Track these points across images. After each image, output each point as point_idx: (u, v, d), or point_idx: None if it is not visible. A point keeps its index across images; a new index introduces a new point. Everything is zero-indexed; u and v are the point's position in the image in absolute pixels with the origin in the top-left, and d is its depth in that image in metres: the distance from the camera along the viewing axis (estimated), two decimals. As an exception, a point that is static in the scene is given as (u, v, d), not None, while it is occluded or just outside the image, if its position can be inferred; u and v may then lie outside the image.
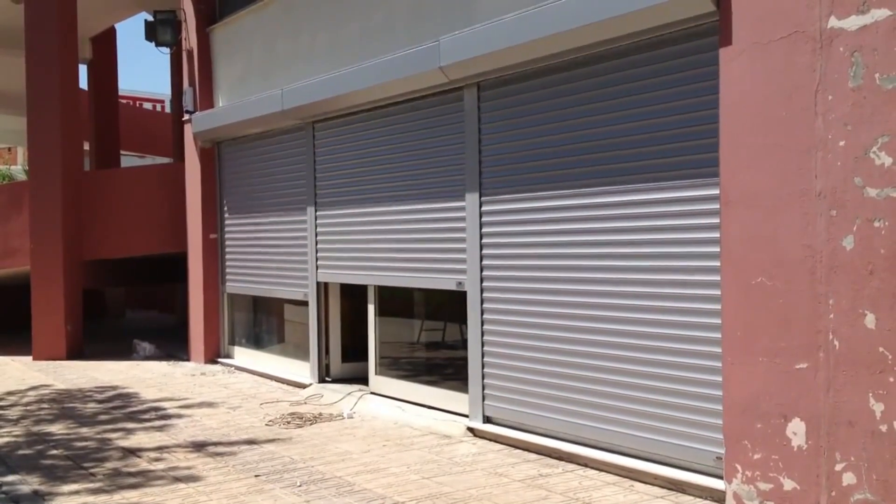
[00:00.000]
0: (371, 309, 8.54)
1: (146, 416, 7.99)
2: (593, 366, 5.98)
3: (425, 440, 6.84)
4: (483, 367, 6.90)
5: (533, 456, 6.24)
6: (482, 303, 6.91)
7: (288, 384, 9.57)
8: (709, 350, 5.18)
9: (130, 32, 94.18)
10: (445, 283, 7.33)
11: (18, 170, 31.61)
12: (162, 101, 27.06)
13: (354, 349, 9.17)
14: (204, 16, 11.28)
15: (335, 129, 8.88)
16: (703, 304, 5.23)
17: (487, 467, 5.98)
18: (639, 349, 5.66)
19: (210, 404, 8.54)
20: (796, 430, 4.54)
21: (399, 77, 7.47)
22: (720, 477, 5.03)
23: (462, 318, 7.16)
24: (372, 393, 8.46)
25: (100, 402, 8.81)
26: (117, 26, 17.24)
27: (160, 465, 6.23)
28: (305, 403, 8.46)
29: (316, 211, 9.17)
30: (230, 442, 6.92)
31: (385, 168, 8.13)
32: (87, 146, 16.41)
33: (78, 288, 12.32)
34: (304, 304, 9.45)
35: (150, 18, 12.04)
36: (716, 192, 5.04)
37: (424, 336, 8.58)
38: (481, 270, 6.92)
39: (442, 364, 8.33)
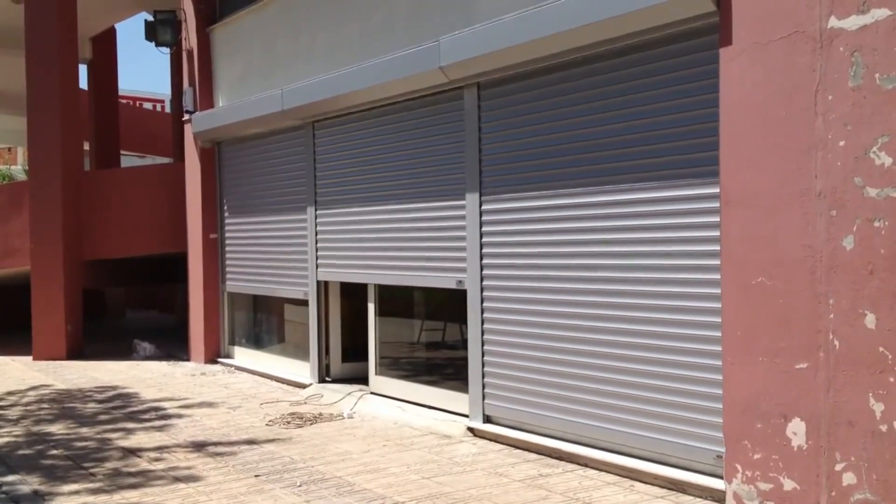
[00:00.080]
0: (371, 308, 8.54)
1: (146, 416, 7.99)
2: (593, 365, 5.98)
3: (425, 440, 6.84)
4: (483, 367, 6.90)
5: (533, 456, 6.24)
6: (482, 302, 6.91)
7: (288, 384, 9.57)
8: (708, 349, 5.18)
9: (130, 32, 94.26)
10: (445, 281, 7.33)
11: (18, 170, 31.61)
12: (162, 101, 27.07)
13: (354, 349, 9.17)
14: (204, 16, 11.28)
15: (335, 129, 8.88)
16: (703, 303, 5.23)
17: (487, 467, 5.98)
18: (639, 348, 5.66)
19: (210, 404, 8.54)
20: (796, 430, 4.54)
21: (399, 77, 7.47)
22: (720, 477, 5.03)
23: (462, 318, 7.16)
24: (372, 393, 8.46)
25: (100, 402, 8.81)
26: (117, 26, 17.25)
27: (160, 465, 6.23)
28: (305, 403, 8.46)
29: (316, 210, 9.17)
30: (230, 442, 6.92)
31: (385, 167, 8.13)
32: (87, 146, 16.41)
33: (78, 288, 12.33)
34: (304, 303, 9.45)
35: (150, 18, 12.04)
36: (716, 190, 5.04)
37: (424, 336, 8.58)
38: (481, 269, 6.92)
39: (442, 364, 8.33)
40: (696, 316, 5.29)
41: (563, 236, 6.22)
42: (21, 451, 6.78)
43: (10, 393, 9.42)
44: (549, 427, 6.32)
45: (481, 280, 6.92)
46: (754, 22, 4.70)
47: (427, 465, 6.07)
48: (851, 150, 4.28)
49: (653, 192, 5.55)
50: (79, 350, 12.23)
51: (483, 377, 6.90)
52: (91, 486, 5.77)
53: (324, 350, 9.29)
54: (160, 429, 7.47)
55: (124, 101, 21.47)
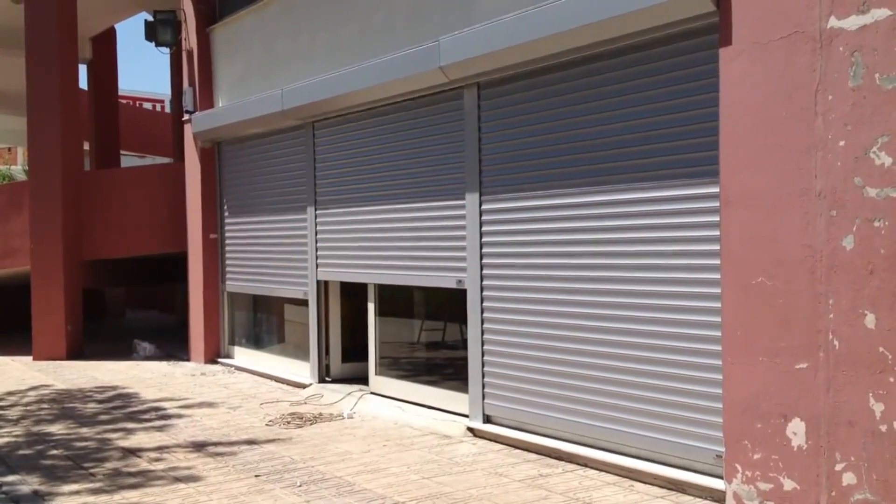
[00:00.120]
0: (371, 308, 8.54)
1: (146, 416, 7.99)
2: (594, 364, 5.99)
3: (425, 440, 6.84)
4: (483, 367, 6.90)
5: (533, 456, 6.24)
6: (482, 301, 6.91)
7: (288, 384, 9.57)
8: (708, 348, 5.18)
9: (130, 32, 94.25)
10: (445, 281, 7.34)
11: (18, 170, 31.62)
12: (162, 101, 27.06)
13: (354, 349, 9.17)
14: (204, 16, 11.28)
15: (335, 129, 8.88)
16: (703, 302, 5.23)
17: (487, 467, 5.98)
18: (639, 348, 5.66)
19: (210, 404, 8.54)
20: (796, 430, 4.54)
21: (399, 77, 7.47)
22: (720, 477, 5.03)
23: (462, 318, 7.17)
24: (372, 393, 8.46)
25: (100, 402, 8.81)
26: (117, 26, 17.25)
27: (160, 466, 6.23)
28: (305, 403, 8.46)
29: (316, 210, 9.17)
30: (230, 442, 6.92)
31: (385, 167, 8.13)
32: (87, 146, 16.41)
33: (78, 288, 12.33)
34: (304, 303, 9.45)
35: (150, 18, 12.04)
36: (716, 190, 5.04)
37: (424, 336, 8.58)
38: (481, 269, 6.92)
39: (442, 364, 8.33)
40: (696, 315, 5.29)
41: (563, 236, 6.22)
42: (21, 452, 6.78)
43: (10, 393, 9.42)
44: (549, 427, 6.32)
45: (481, 280, 6.92)
46: (754, 22, 4.70)
47: (427, 465, 6.07)
48: (851, 150, 4.28)
49: (652, 192, 5.55)
50: (79, 350, 12.24)
51: (483, 377, 6.90)
52: (91, 486, 5.77)
53: (324, 350, 9.29)
54: (160, 429, 7.47)
55: (124, 101, 21.47)
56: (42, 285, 11.92)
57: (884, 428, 4.17)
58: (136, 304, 19.52)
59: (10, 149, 33.96)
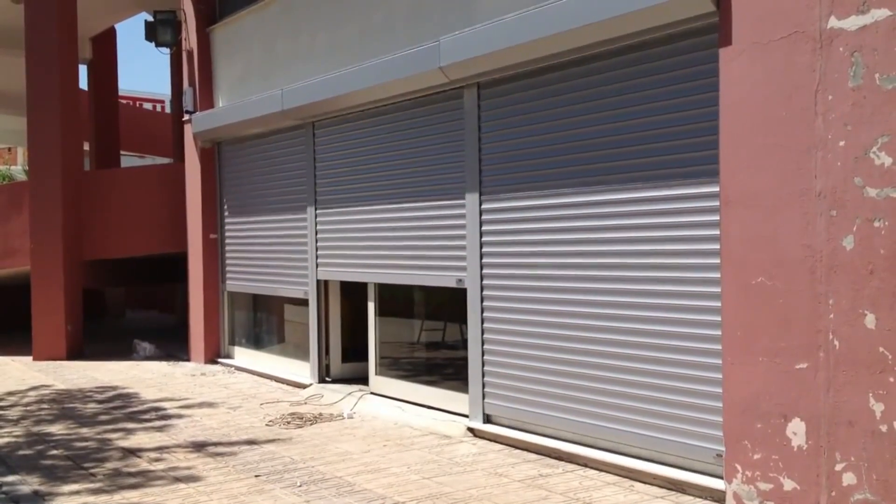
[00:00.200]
0: (371, 307, 8.54)
1: (146, 417, 7.99)
2: (594, 364, 5.99)
3: (425, 440, 6.84)
4: (483, 366, 6.90)
5: (533, 456, 6.24)
6: (482, 300, 6.91)
7: (288, 384, 9.57)
8: (708, 347, 5.18)
9: (130, 32, 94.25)
10: (445, 280, 7.34)
11: (18, 170, 31.62)
12: (162, 101, 27.06)
13: (354, 349, 9.17)
14: (204, 16, 11.28)
15: (335, 128, 8.88)
16: (703, 301, 5.23)
17: (487, 467, 5.98)
18: (639, 347, 5.66)
19: (210, 404, 8.54)
20: (796, 430, 4.54)
21: (399, 77, 7.47)
22: (720, 477, 5.03)
23: (462, 318, 7.17)
24: (372, 393, 8.46)
25: (100, 402, 8.81)
26: (117, 26, 17.25)
27: (160, 466, 6.23)
28: (305, 403, 8.46)
29: (316, 210, 9.17)
30: (230, 442, 6.92)
31: (385, 167, 8.13)
32: (87, 146, 16.41)
33: (78, 288, 12.33)
34: (304, 303, 9.45)
35: (150, 18, 12.05)
36: (716, 189, 5.04)
37: (424, 336, 8.58)
38: (481, 268, 6.92)
39: (442, 364, 8.33)
40: (696, 315, 5.29)
41: (563, 235, 6.22)
42: (21, 452, 6.78)
43: (10, 393, 9.42)
44: (550, 427, 6.32)
45: (481, 279, 6.92)
46: (754, 22, 4.70)
47: (427, 466, 6.07)
48: (851, 150, 4.28)
49: (652, 192, 5.55)
50: (79, 350, 12.24)
51: (483, 376, 6.90)
52: (91, 486, 5.77)
53: (324, 350, 9.29)
54: (160, 429, 7.47)
55: (124, 101, 21.46)
56: (42, 285, 11.92)
57: (884, 428, 4.17)
58: (136, 304, 19.52)
59: (10, 149, 33.97)
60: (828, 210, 4.38)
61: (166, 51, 12.46)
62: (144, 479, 5.90)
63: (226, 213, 11.22)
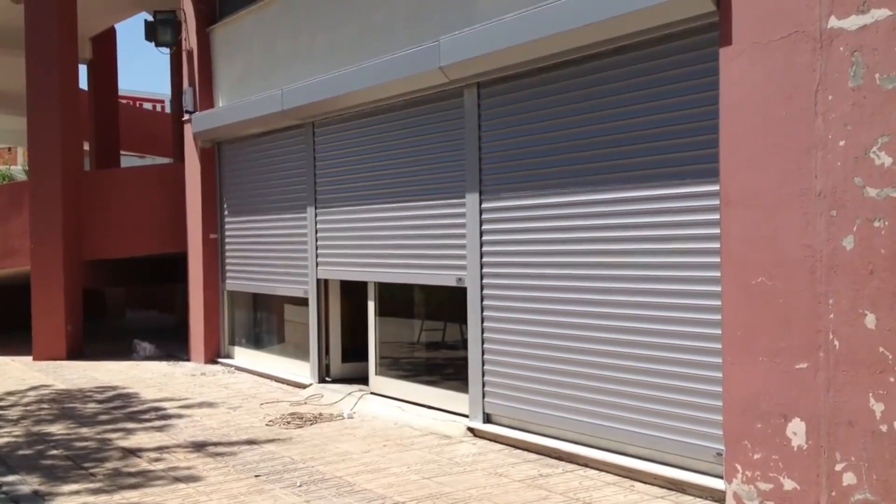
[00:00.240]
0: (371, 307, 8.54)
1: (146, 417, 7.99)
2: (594, 363, 5.98)
3: (425, 440, 6.84)
4: (483, 365, 6.90)
5: (533, 456, 6.24)
6: (482, 299, 6.91)
7: (288, 384, 9.57)
8: (709, 347, 5.18)
9: (130, 32, 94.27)
10: (445, 279, 7.34)
11: (18, 170, 31.63)
12: (162, 101, 27.06)
13: (354, 349, 9.17)
14: (204, 16, 11.28)
15: (335, 128, 8.88)
16: (703, 301, 5.23)
17: (487, 467, 5.98)
18: (640, 346, 5.65)
19: (210, 404, 8.54)
20: (796, 430, 4.54)
21: (399, 77, 7.47)
22: (720, 476, 5.03)
23: (462, 318, 7.17)
24: (372, 393, 8.46)
25: (100, 402, 8.81)
26: (117, 26, 17.25)
27: (160, 466, 6.23)
28: (305, 403, 8.46)
29: (316, 209, 9.17)
30: (230, 442, 6.92)
31: (385, 167, 8.13)
32: (87, 146, 16.41)
33: (78, 288, 12.33)
34: (304, 303, 9.45)
35: (150, 18, 12.04)
36: (716, 188, 5.04)
37: (424, 336, 8.58)
38: (481, 267, 6.92)
39: (442, 364, 8.33)
40: (696, 314, 5.28)
41: (563, 234, 6.22)
42: (21, 452, 6.78)
43: (10, 393, 9.42)
44: (550, 427, 6.32)
45: (481, 278, 6.92)
46: (754, 22, 4.70)
47: (427, 466, 6.07)
48: (851, 150, 4.28)
49: (652, 191, 5.55)
50: (79, 350, 12.24)
51: (483, 376, 6.90)
52: (91, 486, 5.77)
53: (324, 350, 9.29)
54: (160, 429, 7.47)
55: (124, 101, 21.46)
56: (42, 285, 11.92)
57: (884, 428, 4.17)
58: (136, 304, 19.52)
59: (10, 149, 33.97)
60: (828, 210, 4.38)
61: (166, 51, 12.46)
62: (144, 478, 5.90)
63: (226, 213, 11.22)
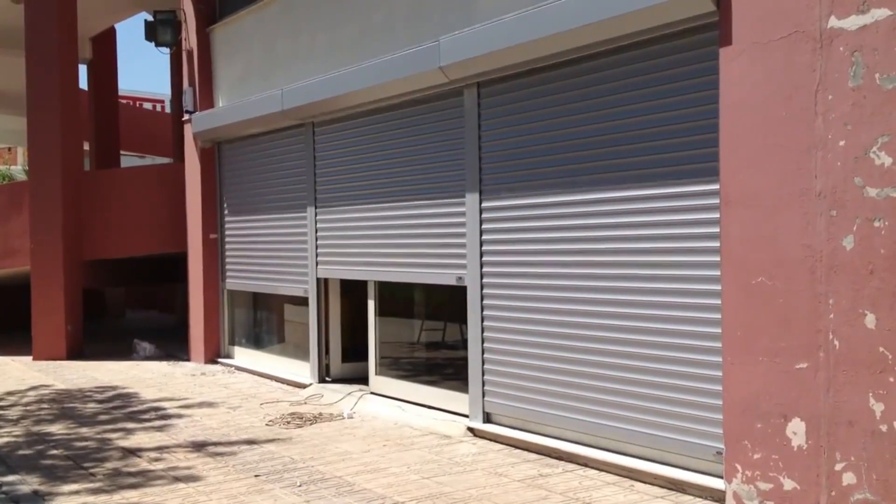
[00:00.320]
0: (371, 306, 8.54)
1: (146, 416, 7.99)
2: (593, 362, 5.98)
3: (425, 440, 6.84)
4: (483, 365, 6.90)
5: (533, 456, 6.24)
6: (482, 299, 6.92)
7: (288, 384, 9.57)
8: (709, 347, 5.18)
9: (130, 32, 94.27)
10: (445, 278, 7.34)
11: (18, 170, 31.62)
12: (162, 101, 27.06)
13: (354, 349, 9.17)
14: (204, 16, 11.28)
15: (335, 128, 8.89)
16: (703, 300, 5.23)
17: (487, 467, 5.98)
18: (640, 345, 5.65)
19: (210, 404, 8.54)
20: (796, 430, 4.54)
21: (399, 77, 7.48)
22: (720, 476, 5.03)
23: (462, 318, 7.17)
24: (372, 393, 8.46)
25: (100, 402, 8.81)
26: (117, 26, 17.25)
27: (160, 465, 6.23)
28: (305, 403, 8.46)
29: (316, 209, 9.18)
30: (230, 442, 6.92)
31: (385, 166, 8.14)
32: (87, 146, 16.41)
33: (78, 288, 12.33)
34: (304, 303, 9.45)
35: (150, 18, 12.04)
36: (716, 187, 5.04)
37: (424, 336, 8.58)
38: (481, 266, 6.92)
39: (442, 364, 8.33)
40: (696, 314, 5.28)
41: (563, 233, 6.22)
42: (21, 451, 6.78)
43: (10, 393, 9.42)
44: (550, 426, 6.32)
45: (481, 277, 6.92)
46: (754, 22, 4.70)
47: (427, 465, 6.07)
48: (851, 150, 4.28)
49: (652, 190, 5.55)
50: (79, 350, 12.23)
51: (483, 375, 6.90)
52: (91, 486, 5.77)
53: (324, 350, 9.29)
54: (160, 429, 7.47)
55: (124, 101, 21.46)
56: (42, 285, 11.92)
57: (884, 428, 4.17)
58: (136, 304, 19.52)
59: (10, 149, 33.97)
60: (828, 210, 4.38)
61: (166, 51, 12.46)
62: (144, 478, 5.90)
63: (226, 213, 11.22)
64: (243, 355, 11.05)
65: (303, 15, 9.34)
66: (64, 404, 8.70)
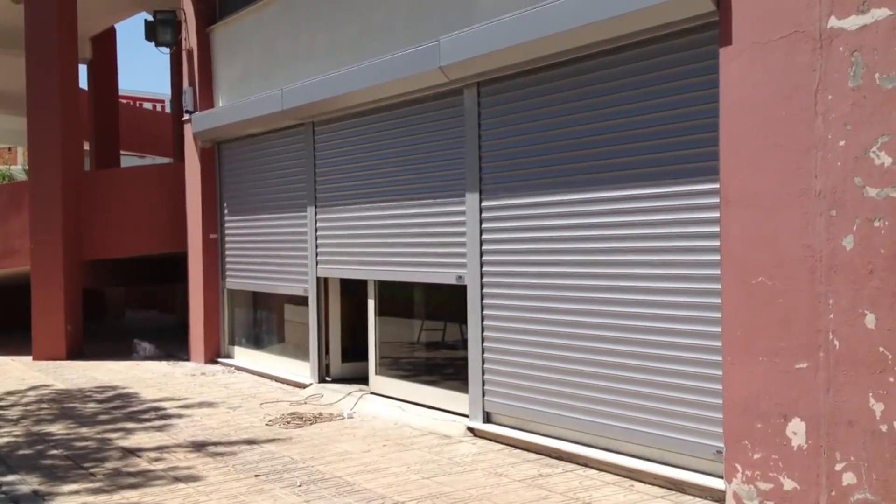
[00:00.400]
0: (371, 305, 8.54)
1: (146, 416, 7.99)
2: (594, 362, 5.98)
3: (425, 440, 6.84)
4: (483, 364, 6.90)
5: (533, 456, 6.24)
6: (482, 298, 6.92)
7: (288, 384, 9.57)
8: (709, 346, 5.18)
9: (130, 32, 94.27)
10: (445, 277, 7.34)
11: (18, 170, 31.63)
12: (162, 101, 27.06)
13: (354, 349, 9.17)
14: (204, 16, 11.28)
15: (335, 128, 8.89)
16: (703, 299, 5.23)
17: (487, 467, 5.98)
18: (639, 345, 5.66)
19: (210, 404, 8.54)
20: (796, 430, 4.54)
21: (399, 77, 7.48)
22: (720, 476, 5.03)
23: (462, 318, 7.17)
24: (372, 393, 8.46)
25: (100, 402, 8.81)
26: (117, 26, 17.25)
27: (160, 465, 6.23)
28: (305, 403, 8.46)
29: (316, 209, 9.18)
30: (230, 442, 6.92)
31: (385, 166, 8.14)
32: (87, 146, 16.41)
33: (78, 288, 12.33)
34: (304, 303, 9.45)
35: (150, 18, 12.05)
36: (716, 186, 5.04)
37: (424, 336, 8.58)
38: (481, 266, 6.92)
39: (442, 364, 8.33)
40: (696, 314, 5.29)
41: (563, 233, 6.22)
42: (21, 451, 6.78)
43: (9, 393, 9.42)
44: (550, 426, 6.32)
45: (481, 276, 6.92)
46: (754, 22, 4.70)
47: (427, 465, 6.07)
48: (851, 149, 4.28)
49: (652, 189, 5.55)
50: (79, 350, 12.23)
51: (483, 375, 6.90)
52: (91, 485, 5.77)
53: (324, 350, 9.29)
54: (160, 429, 7.47)
55: (124, 101, 21.46)
56: (42, 285, 11.92)
57: (884, 428, 4.17)
58: (136, 304, 19.52)
59: (10, 149, 33.97)
60: (828, 210, 4.38)
61: (166, 51, 12.46)
62: (144, 478, 5.90)
63: (226, 213, 11.22)
64: (243, 355, 11.05)
65: (303, 15, 9.34)
66: (64, 404, 8.70)
